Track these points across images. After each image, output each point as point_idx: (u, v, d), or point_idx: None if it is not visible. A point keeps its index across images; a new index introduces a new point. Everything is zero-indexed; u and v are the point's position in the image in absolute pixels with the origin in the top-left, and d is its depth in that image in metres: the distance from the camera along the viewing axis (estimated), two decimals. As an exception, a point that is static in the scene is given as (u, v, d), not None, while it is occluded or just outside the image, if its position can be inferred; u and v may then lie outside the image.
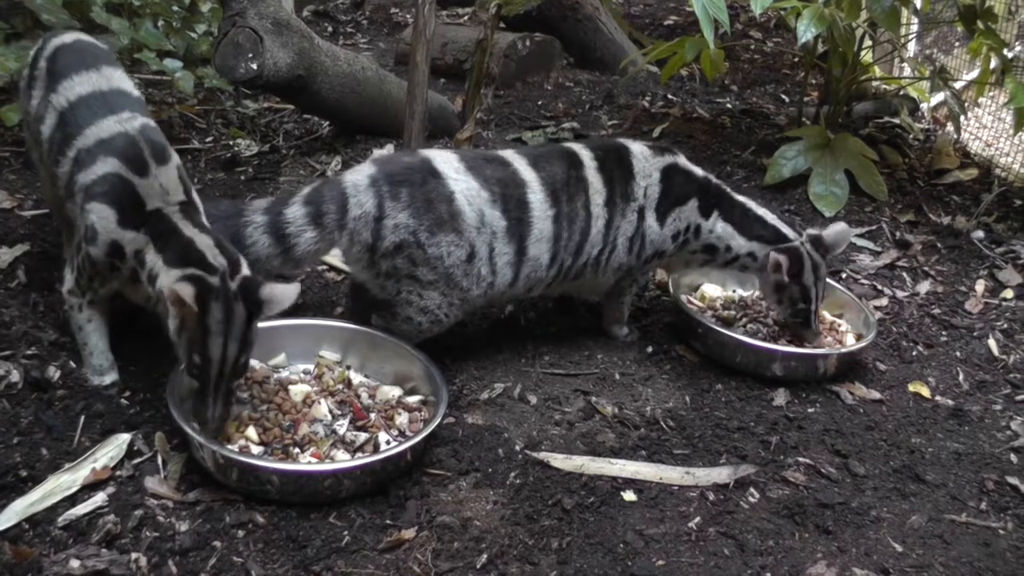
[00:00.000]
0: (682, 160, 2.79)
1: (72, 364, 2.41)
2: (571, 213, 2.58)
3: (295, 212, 2.45)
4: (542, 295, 2.78)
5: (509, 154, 2.65)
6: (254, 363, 2.44)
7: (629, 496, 2.21)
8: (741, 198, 2.85)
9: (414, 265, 2.43)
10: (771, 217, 2.84)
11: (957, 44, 5.23)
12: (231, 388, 2.14)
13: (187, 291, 1.98)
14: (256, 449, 2.17)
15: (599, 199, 2.62)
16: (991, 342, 3.05)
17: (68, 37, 2.58)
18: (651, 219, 2.69)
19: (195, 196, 2.28)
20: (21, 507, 1.98)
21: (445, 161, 2.52)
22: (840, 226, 2.86)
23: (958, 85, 4.34)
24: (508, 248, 2.51)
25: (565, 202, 2.57)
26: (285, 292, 2.15)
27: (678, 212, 2.73)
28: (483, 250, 2.48)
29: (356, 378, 2.49)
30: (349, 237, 2.44)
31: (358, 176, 2.48)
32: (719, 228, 2.77)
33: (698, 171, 2.80)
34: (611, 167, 2.67)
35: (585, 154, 2.68)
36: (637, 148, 2.75)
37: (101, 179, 2.19)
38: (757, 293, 3.12)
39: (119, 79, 2.45)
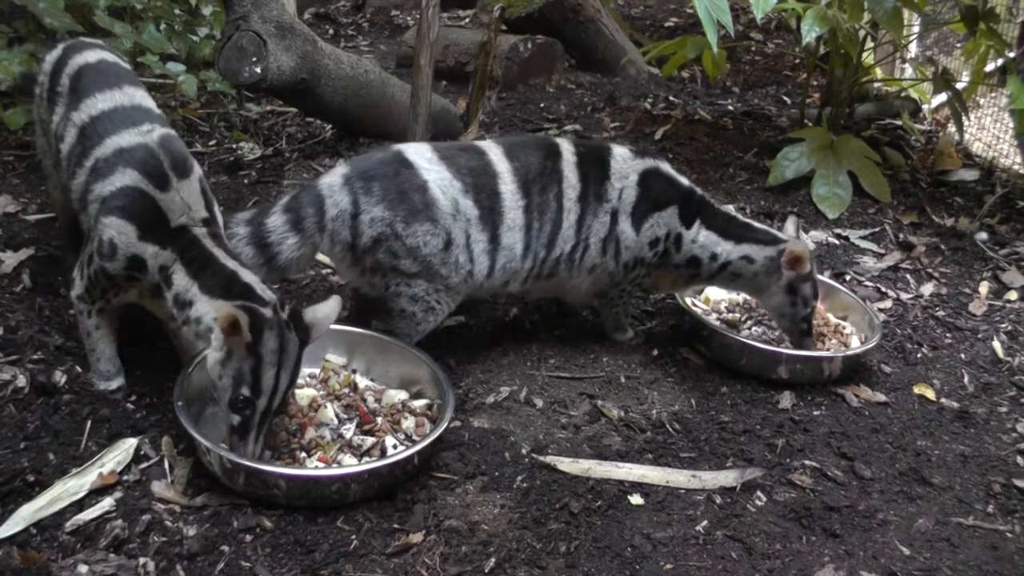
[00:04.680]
0: (664, 166, 2.75)
1: (78, 368, 2.41)
2: (542, 204, 2.57)
3: (275, 221, 2.45)
4: (524, 293, 2.75)
5: (485, 144, 2.66)
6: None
7: (636, 500, 2.21)
8: (725, 208, 2.82)
9: (395, 257, 2.44)
10: (758, 224, 2.81)
11: (958, 45, 5.24)
12: (272, 422, 2.11)
13: (243, 319, 1.95)
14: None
15: (572, 193, 2.61)
16: (996, 344, 3.05)
17: (92, 56, 2.54)
18: (625, 224, 2.65)
19: (216, 211, 2.25)
20: (28, 512, 1.98)
21: (417, 152, 2.53)
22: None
23: (959, 86, 4.34)
24: (483, 236, 2.51)
25: (537, 193, 2.56)
26: (328, 311, 2.16)
27: (656, 218, 2.67)
28: (460, 238, 2.48)
29: (362, 382, 2.49)
30: (330, 238, 2.45)
31: (332, 177, 2.49)
32: (702, 237, 2.71)
33: (682, 179, 2.75)
34: (588, 164, 2.65)
35: (566, 148, 2.67)
36: (619, 150, 2.73)
37: (119, 192, 2.15)
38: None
39: (140, 97, 2.43)
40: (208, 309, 2.06)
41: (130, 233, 2.13)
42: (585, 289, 2.77)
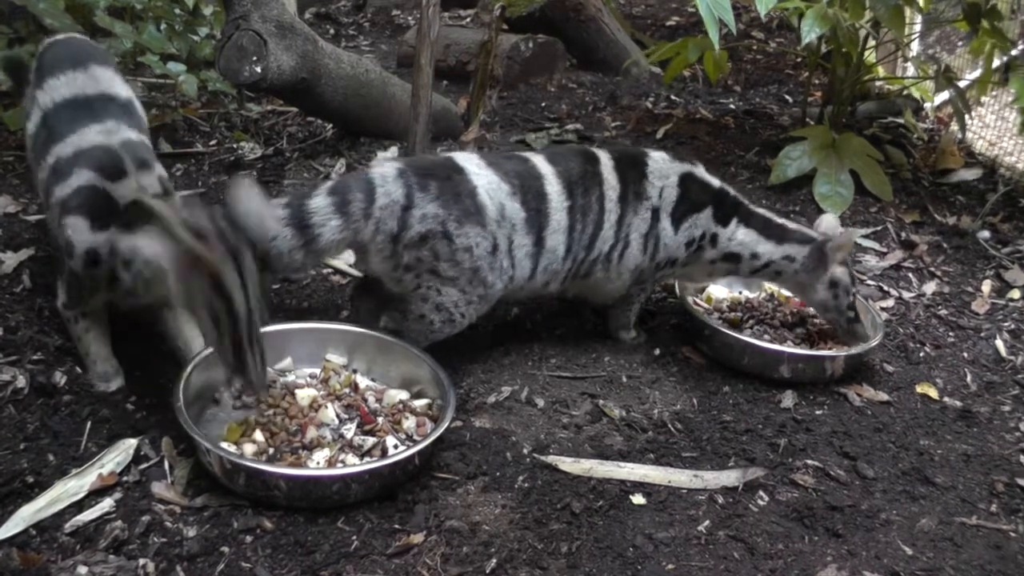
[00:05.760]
0: (699, 170, 2.80)
1: (78, 369, 2.41)
2: (585, 206, 2.60)
3: (319, 202, 2.43)
4: (557, 293, 2.78)
5: (527, 153, 2.72)
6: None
7: (638, 499, 2.20)
8: (760, 209, 2.85)
9: (437, 259, 2.43)
10: (793, 223, 2.85)
11: (960, 44, 5.23)
12: (262, 342, 2.03)
13: (185, 233, 1.90)
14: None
15: (613, 194, 2.64)
16: (999, 343, 3.04)
17: (61, 35, 2.55)
18: (666, 222, 2.69)
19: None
20: (28, 513, 1.97)
21: (466, 159, 2.58)
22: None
23: (961, 84, 4.32)
24: (527, 240, 2.53)
25: (580, 195, 2.60)
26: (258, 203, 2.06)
27: (693, 219, 2.73)
28: (503, 243, 2.50)
29: (363, 382, 2.48)
30: (375, 226, 2.43)
31: (385, 168, 2.50)
32: (740, 235, 2.77)
33: (715, 181, 2.81)
34: (626, 166, 2.70)
35: (603, 154, 2.72)
36: (656, 153, 2.78)
37: (75, 193, 2.15)
38: (762, 295, 3.12)
39: (107, 81, 2.39)
40: (144, 242, 1.95)
41: (83, 227, 2.11)
42: (620, 288, 2.78)
